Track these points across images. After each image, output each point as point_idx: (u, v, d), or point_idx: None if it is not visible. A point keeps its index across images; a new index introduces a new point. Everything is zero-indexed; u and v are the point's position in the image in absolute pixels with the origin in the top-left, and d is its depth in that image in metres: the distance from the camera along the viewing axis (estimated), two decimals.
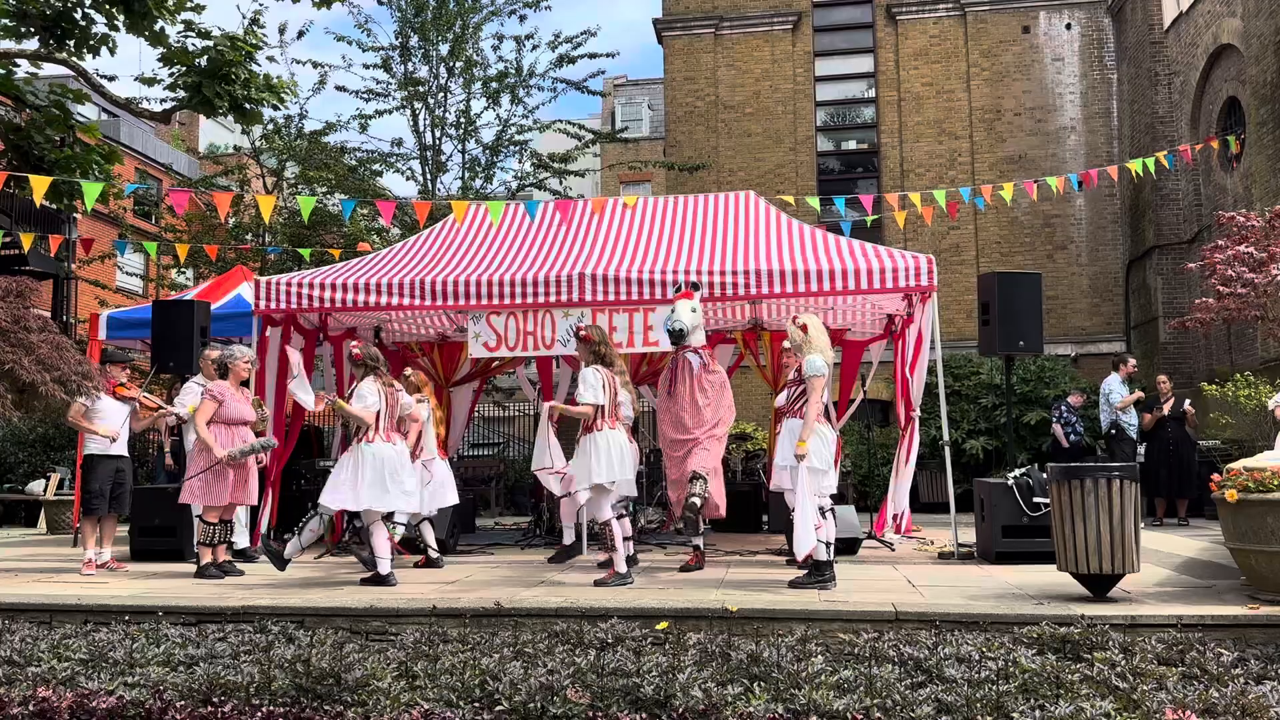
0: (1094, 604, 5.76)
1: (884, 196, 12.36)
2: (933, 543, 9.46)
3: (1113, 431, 11.85)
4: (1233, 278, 11.58)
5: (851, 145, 20.83)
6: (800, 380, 6.97)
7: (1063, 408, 13.13)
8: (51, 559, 9.11)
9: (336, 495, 7.15)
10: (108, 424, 8.23)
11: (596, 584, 6.88)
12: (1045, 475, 7.04)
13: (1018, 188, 11.53)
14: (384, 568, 7.09)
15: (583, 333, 7.47)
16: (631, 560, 7.94)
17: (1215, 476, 6.16)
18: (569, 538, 7.89)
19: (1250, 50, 14.70)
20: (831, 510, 6.86)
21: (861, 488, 13.13)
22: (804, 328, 7.03)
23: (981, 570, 7.58)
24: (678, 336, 7.44)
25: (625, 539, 7.38)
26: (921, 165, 19.68)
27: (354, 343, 7.80)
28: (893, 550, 9.06)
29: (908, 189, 18.49)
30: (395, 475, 7.20)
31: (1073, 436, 12.83)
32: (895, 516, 9.72)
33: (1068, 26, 19.72)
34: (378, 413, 7.20)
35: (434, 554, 8.28)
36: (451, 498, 8.53)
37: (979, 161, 19.46)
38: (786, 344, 7.40)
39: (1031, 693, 4.29)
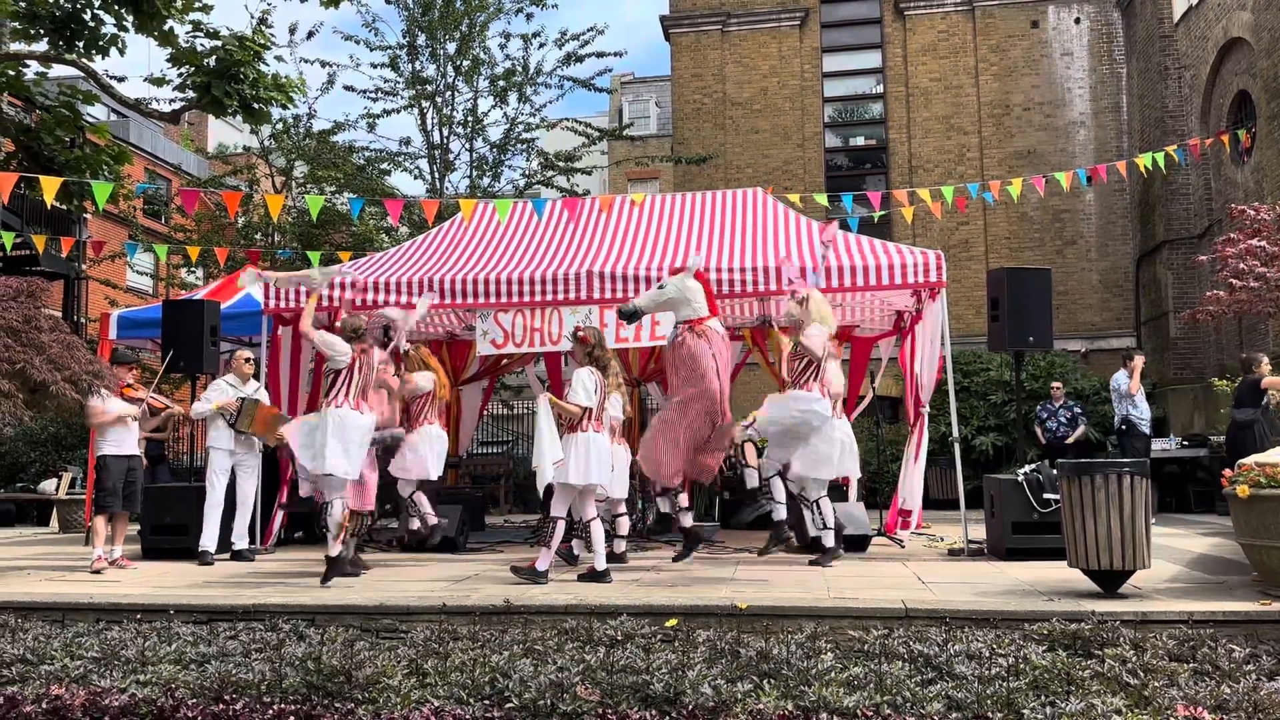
0: (1105, 600, 5.75)
1: (892, 193, 12.33)
2: (942, 539, 9.44)
3: (1124, 427, 11.80)
4: (1245, 271, 11.53)
5: (860, 141, 20.78)
6: (800, 355, 7.06)
7: (1039, 408, 13.21)
8: (63, 558, 9.15)
9: (307, 456, 7.15)
10: (110, 427, 8.31)
11: (512, 569, 7.06)
12: (1055, 471, 7.03)
13: (1026, 183, 11.49)
14: (334, 549, 7.03)
15: (580, 334, 7.47)
16: (620, 559, 8.02)
17: (1226, 472, 6.14)
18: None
19: (1261, 43, 14.62)
20: (817, 502, 6.95)
21: (871, 484, 13.09)
22: (804, 302, 7.09)
23: (992, 567, 7.56)
24: (628, 316, 7.41)
25: (619, 537, 8.02)
26: (930, 161, 19.63)
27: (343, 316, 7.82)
28: (902, 547, 9.04)
29: (916, 185, 18.43)
30: (361, 442, 7.17)
31: (1052, 436, 12.85)
32: (904, 513, 9.70)
33: (1076, 21, 19.64)
34: (349, 378, 7.18)
35: (428, 525, 8.37)
36: (435, 470, 8.47)
37: (988, 157, 19.40)
38: (784, 318, 7.44)
39: (1042, 689, 4.28)
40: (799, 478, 7.62)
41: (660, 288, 7.33)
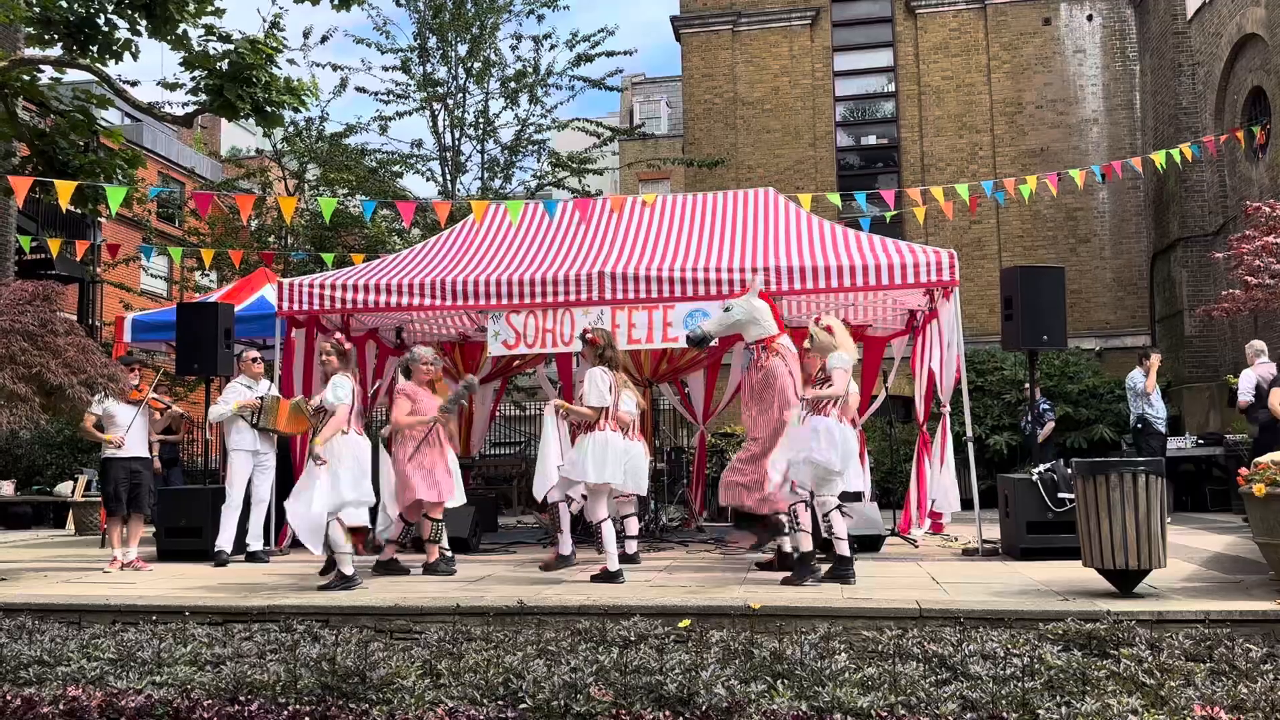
0: (1120, 600, 5.72)
1: (905, 191, 12.29)
2: (956, 539, 9.41)
3: (1139, 425, 11.75)
4: (1260, 268, 11.47)
5: (871, 140, 20.74)
6: (824, 379, 6.98)
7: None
8: (80, 560, 9.21)
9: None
10: (116, 430, 8.39)
11: (542, 567, 7.21)
12: (1070, 471, 7.00)
13: (1040, 181, 11.44)
14: (348, 568, 6.97)
15: (589, 335, 7.47)
16: (633, 559, 8.01)
17: (1242, 470, 6.10)
18: (565, 548, 7.76)
19: (1276, 39, 14.53)
20: (839, 508, 6.85)
21: (884, 484, 13.08)
22: (829, 329, 7.02)
23: (1006, 567, 7.54)
24: (697, 342, 7.44)
25: (629, 538, 8.06)
26: (942, 160, 19.57)
27: (340, 336, 7.82)
28: (916, 547, 9.02)
29: (928, 183, 18.38)
30: (364, 467, 7.22)
31: (1023, 437, 12.92)
32: (935, 515, 9.64)
33: (1089, 18, 19.56)
34: (350, 407, 7.21)
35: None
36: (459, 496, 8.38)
37: (1000, 155, 19.33)
38: (807, 344, 7.34)
39: (1058, 689, 4.26)
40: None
41: (726, 310, 7.34)
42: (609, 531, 7.15)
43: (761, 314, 7.28)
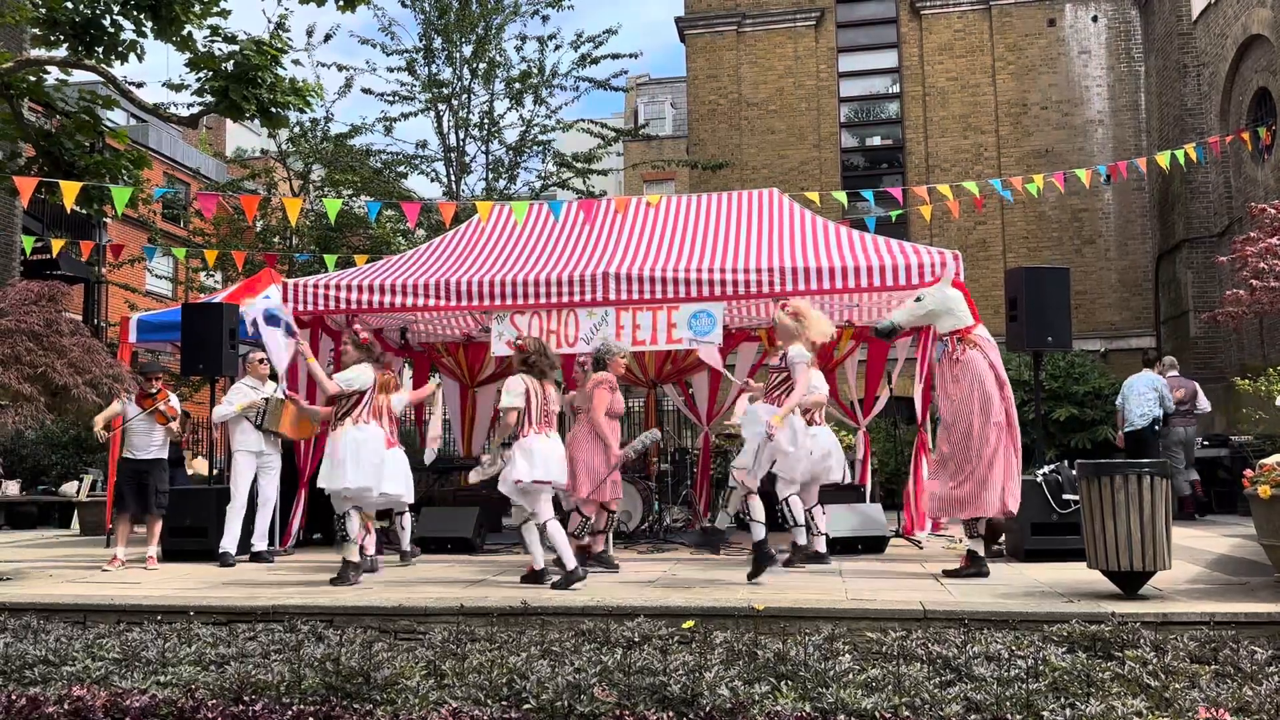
0: (1125, 602, 5.71)
1: (910, 190, 12.29)
2: (961, 540, 9.39)
3: (1155, 428, 11.74)
4: (1265, 270, 11.44)
5: (876, 141, 20.73)
6: (781, 368, 6.95)
7: None
8: (85, 560, 9.22)
9: (335, 476, 7.23)
10: (130, 434, 8.57)
11: (523, 580, 6.97)
12: (1074, 472, 6.98)
13: (1046, 181, 11.41)
14: (353, 554, 7.17)
15: (518, 342, 7.39)
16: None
17: (1248, 472, 6.09)
18: (539, 562, 7.57)
19: None
20: (786, 501, 6.85)
21: (888, 486, 13.07)
22: (794, 313, 6.92)
23: (1010, 568, 7.53)
24: (885, 334, 7.37)
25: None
26: (947, 160, 19.56)
27: (359, 328, 7.83)
28: (920, 548, 9.01)
29: (933, 184, 18.37)
30: (378, 456, 7.36)
31: None
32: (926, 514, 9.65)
33: (1094, 19, 19.54)
34: (366, 395, 7.33)
35: (405, 549, 8.38)
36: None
37: (1005, 156, 19.31)
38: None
39: (1062, 691, 4.25)
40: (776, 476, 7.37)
41: (918, 300, 7.17)
42: (533, 534, 7.03)
43: (955, 303, 7.04)
